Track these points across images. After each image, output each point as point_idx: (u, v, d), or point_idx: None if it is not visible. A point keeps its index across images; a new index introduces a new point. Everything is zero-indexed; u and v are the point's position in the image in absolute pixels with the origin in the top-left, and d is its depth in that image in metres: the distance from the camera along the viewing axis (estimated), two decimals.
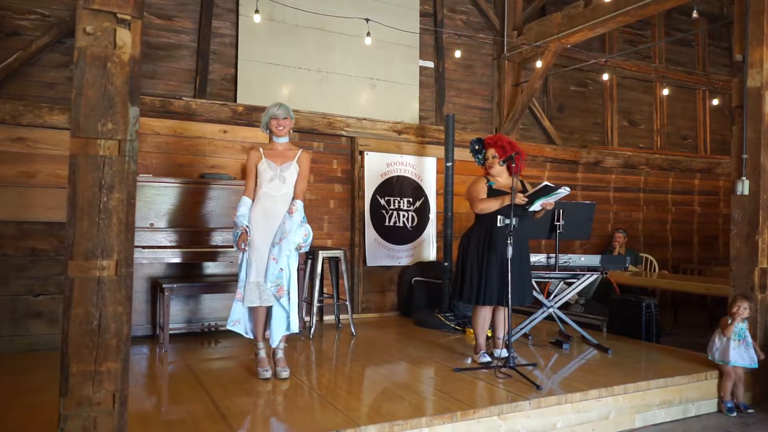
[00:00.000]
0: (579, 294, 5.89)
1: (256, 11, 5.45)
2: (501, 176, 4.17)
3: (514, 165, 3.99)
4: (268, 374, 3.73)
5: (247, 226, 3.70)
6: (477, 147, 4.22)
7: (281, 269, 3.65)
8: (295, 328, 3.73)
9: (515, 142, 4.35)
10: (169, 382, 3.77)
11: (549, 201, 4.04)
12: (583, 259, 4.75)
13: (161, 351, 4.41)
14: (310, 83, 5.95)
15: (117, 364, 2.31)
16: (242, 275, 3.73)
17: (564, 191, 3.94)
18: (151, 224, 4.77)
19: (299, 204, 3.76)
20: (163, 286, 4.45)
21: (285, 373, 3.75)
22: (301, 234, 3.70)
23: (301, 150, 3.89)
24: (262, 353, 3.83)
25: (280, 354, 3.83)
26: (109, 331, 2.29)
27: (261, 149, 3.85)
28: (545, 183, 3.98)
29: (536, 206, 4.02)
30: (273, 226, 3.70)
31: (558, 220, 4.65)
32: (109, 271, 2.29)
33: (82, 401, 2.26)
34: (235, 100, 5.61)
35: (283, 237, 3.66)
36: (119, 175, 2.31)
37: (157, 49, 5.35)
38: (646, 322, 5.15)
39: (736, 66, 4.39)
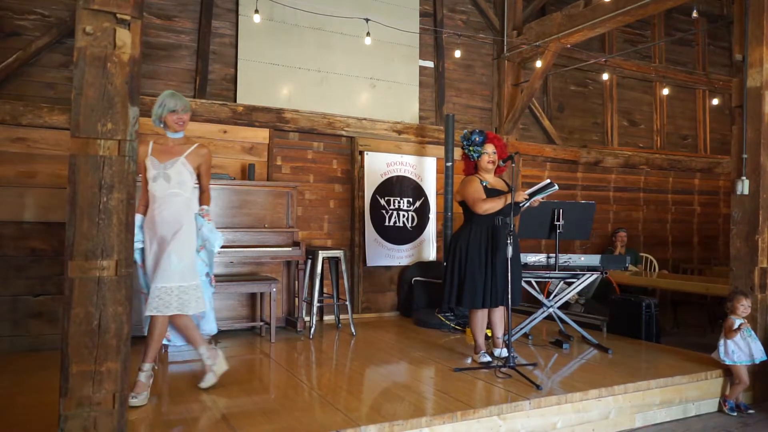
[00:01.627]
0: (579, 294, 5.89)
1: (256, 11, 5.46)
2: (490, 175, 4.15)
3: (514, 165, 4.00)
4: (137, 401, 3.15)
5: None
6: (478, 139, 4.07)
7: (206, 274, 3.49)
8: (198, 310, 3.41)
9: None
10: (169, 382, 3.76)
11: (538, 198, 4.07)
12: (582, 258, 4.75)
13: (161, 351, 4.40)
14: (310, 83, 5.95)
15: (117, 365, 2.31)
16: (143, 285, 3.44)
17: (554, 188, 4.01)
18: None
19: (207, 209, 3.50)
20: None
21: (135, 401, 3.13)
22: (220, 240, 3.51)
23: (196, 144, 3.46)
24: (143, 376, 3.26)
25: (141, 374, 3.28)
26: (109, 331, 2.30)
27: (151, 143, 3.43)
28: (548, 180, 4.00)
29: (527, 203, 4.06)
30: (160, 230, 3.29)
31: (558, 220, 4.65)
32: (109, 271, 2.29)
33: (82, 401, 2.26)
34: (235, 100, 5.61)
35: (204, 245, 3.45)
36: (119, 175, 2.31)
37: (157, 49, 5.35)
38: (647, 322, 5.14)
39: (736, 66, 4.39)
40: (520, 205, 4.06)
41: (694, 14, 5.49)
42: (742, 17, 4.32)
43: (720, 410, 3.93)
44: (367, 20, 5.90)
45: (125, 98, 2.33)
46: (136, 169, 2.86)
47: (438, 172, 6.48)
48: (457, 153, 4.33)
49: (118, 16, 2.31)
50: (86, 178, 2.26)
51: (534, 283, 4.76)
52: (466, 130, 4.19)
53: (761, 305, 4.17)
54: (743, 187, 4.23)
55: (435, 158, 6.49)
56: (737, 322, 3.92)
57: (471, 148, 4.11)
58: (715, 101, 8.51)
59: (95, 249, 2.28)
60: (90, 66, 2.28)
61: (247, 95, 5.64)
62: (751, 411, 3.91)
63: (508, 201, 3.94)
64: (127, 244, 2.33)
